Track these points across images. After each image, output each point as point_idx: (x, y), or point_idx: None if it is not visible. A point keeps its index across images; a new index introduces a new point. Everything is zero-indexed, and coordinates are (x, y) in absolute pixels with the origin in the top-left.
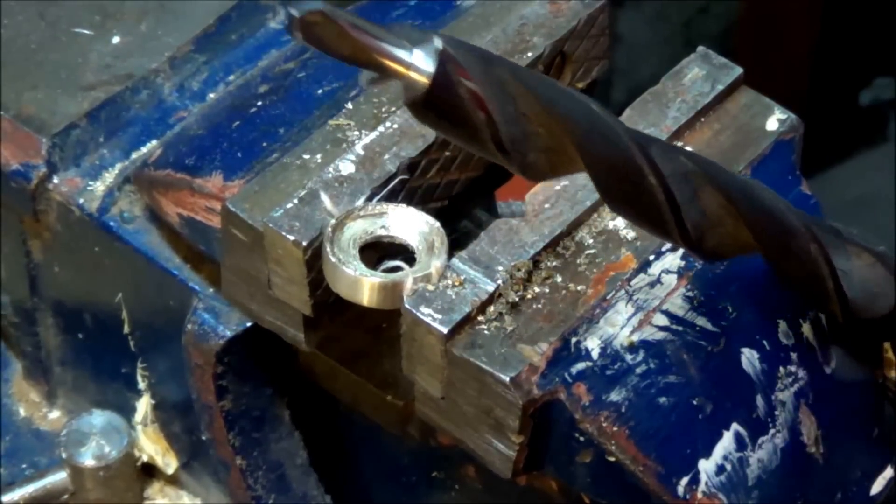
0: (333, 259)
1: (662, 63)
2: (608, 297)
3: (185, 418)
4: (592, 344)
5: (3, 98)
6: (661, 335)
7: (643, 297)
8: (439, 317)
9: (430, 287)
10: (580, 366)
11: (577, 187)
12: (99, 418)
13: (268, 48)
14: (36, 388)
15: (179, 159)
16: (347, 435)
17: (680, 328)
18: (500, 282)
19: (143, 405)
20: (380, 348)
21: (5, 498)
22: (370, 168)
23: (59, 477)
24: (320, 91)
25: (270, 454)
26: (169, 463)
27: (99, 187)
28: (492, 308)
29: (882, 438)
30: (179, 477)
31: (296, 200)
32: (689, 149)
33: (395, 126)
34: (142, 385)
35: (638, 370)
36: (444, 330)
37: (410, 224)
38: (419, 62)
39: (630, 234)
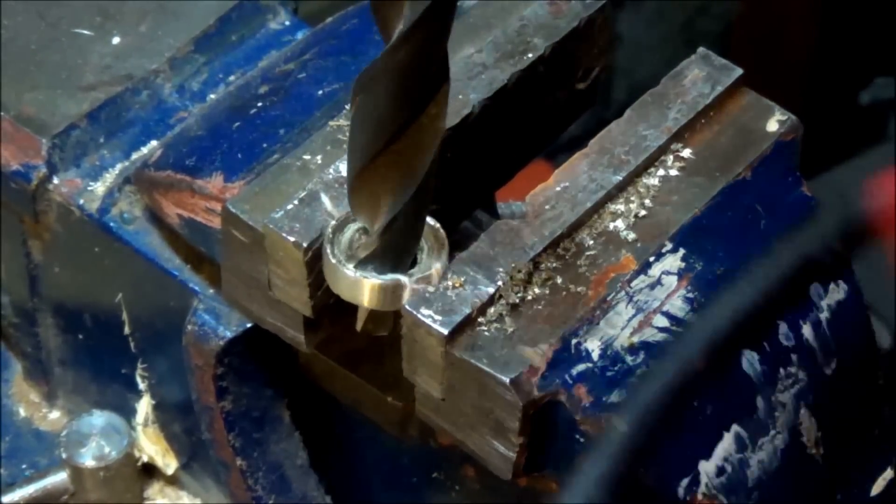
0: (334, 260)
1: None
2: (608, 299)
3: (185, 419)
4: (593, 345)
5: (3, 98)
6: (661, 336)
7: (643, 299)
8: (440, 318)
9: (431, 288)
10: (580, 367)
11: (577, 188)
12: (99, 419)
13: (268, 49)
14: (36, 388)
15: (179, 160)
16: (347, 435)
17: (680, 329)
18: (500, 283)
19: (144, 406)
20: (380, 349)
21: (5, 498)
22: None
23: (59, 477)
24: (320, 92)
25: (270, 455)
26: (169, 463)
27: (99, 188)
28: (492, 309)
29: (882, 439)
30: (179, 477)
31: (296, 202)
32: (689, 150)
33: None
34: (142, 386)
35: (638, 371)
36: (445, 331)
37: None
38: None
39: (630, 235)
